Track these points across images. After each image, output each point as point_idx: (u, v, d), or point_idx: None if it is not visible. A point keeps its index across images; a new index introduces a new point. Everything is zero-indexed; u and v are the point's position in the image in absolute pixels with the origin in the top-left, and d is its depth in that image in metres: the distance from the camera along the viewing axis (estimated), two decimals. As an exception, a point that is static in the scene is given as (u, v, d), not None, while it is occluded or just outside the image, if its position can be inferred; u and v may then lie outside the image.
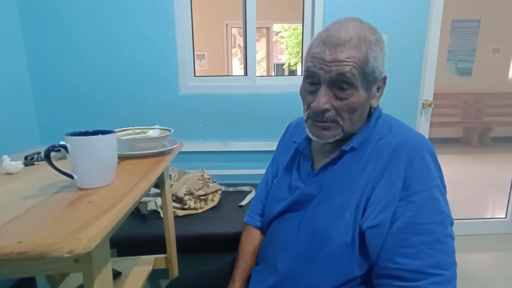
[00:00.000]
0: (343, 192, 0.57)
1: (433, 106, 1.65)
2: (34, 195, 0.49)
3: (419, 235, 0.50)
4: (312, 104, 0.57)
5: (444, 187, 0.56)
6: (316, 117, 0.58)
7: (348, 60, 0.52)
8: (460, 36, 2.08)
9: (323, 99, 0.55)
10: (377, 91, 0.59)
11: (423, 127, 1.69)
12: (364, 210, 0.54)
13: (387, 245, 0.51)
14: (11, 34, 1.40)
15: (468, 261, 1.59)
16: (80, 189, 0.52)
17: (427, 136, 1.71)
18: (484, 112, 2.84)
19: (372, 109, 0.62)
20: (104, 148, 0.50)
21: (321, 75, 0.54)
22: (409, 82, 1.62)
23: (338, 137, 0.58)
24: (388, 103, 1.58)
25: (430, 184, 0.52)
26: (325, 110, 0.56)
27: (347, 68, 0.52)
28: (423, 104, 1.65)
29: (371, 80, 0.55)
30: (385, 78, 0.59)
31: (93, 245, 0.34)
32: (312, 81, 0.57)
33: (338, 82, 0.54)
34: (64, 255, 0.32)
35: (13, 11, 1.41)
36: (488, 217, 1.98)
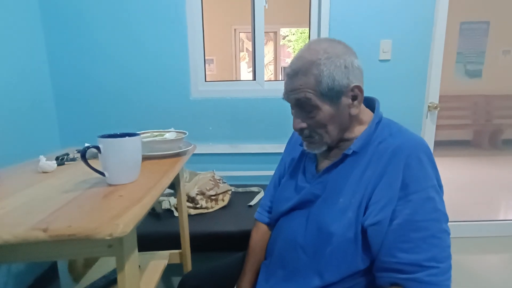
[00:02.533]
0: (346, 192, 0.61)
1: (438, 108, 1.67)
2: (71, 189, 0.56)
3: (416, 231, 0.54)
4: None
5: (441, 186, 0.59)
6: (300, 134, 0.67)
7: (301, 87, 0.60)
8: (469, 38, 2.08)
9: (296, 120, 0.64)
10: (353, 100, 0.61)
11: (429, 130, 1.71)
12: (366, 209, 0.58)
13: (387, 241, 0.55)
14: (34, 43, 1.50)
15: (479, 263, 1.58)
16: (110, 185, 0.58)
17: (433, 138, 1.72)
18: (495, 114, 2.80)
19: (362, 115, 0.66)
20: (132, 149, 0.57)
21: (289, 102, 0.64)
22: (415, 85, 1.64)
23: (324, 148, 0.66)
24: (394, 105, 1.62)
25: (426, 184, 0.56)
26: (301, 129, 0.64)
27: (302, 95, 0.60)
28: (429, 106, 1.67)
29: (333, 95, 0.59)
30: (357, 87, 0.60)
31: (128, 230, 0.40)
32: (290, 106, 0.66)
33: (301, 106, 0.62)
34: (106, 237, 0.38)
35: (37, 21, 1.51)
36: (499, 219, 1.97)
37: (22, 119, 1.38)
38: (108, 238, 0.38)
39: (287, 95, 0.64)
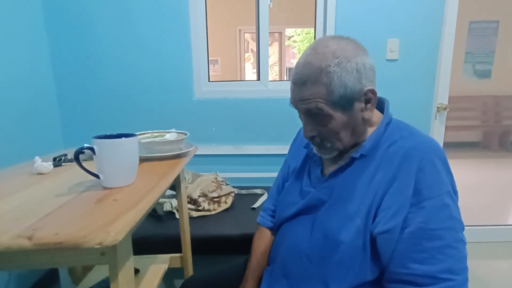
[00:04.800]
0: (354, 198, 0.57)
1: (448, 109, 1.62)
2: (65, 193, 0.54)
3: (430, 241, 0.50)
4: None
5: (456, 192, 0.55)
6: (310, 141, 0.64)
7: (311, 97, 0.56)
8: (478, 38, 2.03)
9: (306, 128, 0.61)
10: (366, 104, 0.58)
11: (437, 131, 1.66)
12: (375, 216, 0.55)
13: (398, 251, 0.52)
14: (37, 44, 1.50)
15: (489, 269, 1.53)
16: (105, 188, 0.56)
17: (442, 140, 1.68)
18: (504, 115, 2.73)
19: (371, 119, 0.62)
20: (128, 150, 0.54)
21: (298, 110, 0.61)
22: (424, 85, 1.60)
23: (335, 154, 0.62)
24: (402, 106, 1.58)
25: (440, 191, 0.52)
26: (312, 137, 0.61)
27: (313, 105, 0.56)
28: (438, 107, 1.62)
29: (345, 102, 0.56)
30: (371, 91, 0.57)
31: (120, 238, 0.37)
32: (298, 112, 0.63)
33: (313, 115, 0.59)
34: (95, 247, 0.35)
35: (40, 21, 1.51)
36: (509, 223, 1.91)
37: (25, 120, 1.38)
38: (98, 247, 0.35)
39: (296, 103, 0.60)
